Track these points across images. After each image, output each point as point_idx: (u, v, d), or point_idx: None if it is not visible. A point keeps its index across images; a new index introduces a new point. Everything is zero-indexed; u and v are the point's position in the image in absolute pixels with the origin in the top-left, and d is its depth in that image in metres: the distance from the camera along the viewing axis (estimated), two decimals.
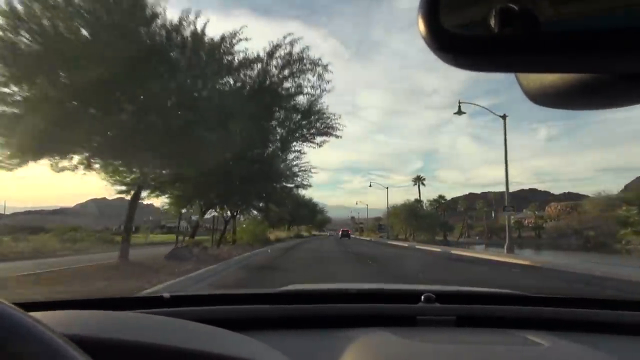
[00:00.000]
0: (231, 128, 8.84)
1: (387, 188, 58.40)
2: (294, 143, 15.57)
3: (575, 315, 1.37)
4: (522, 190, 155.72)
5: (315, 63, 11.00)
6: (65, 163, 9.87)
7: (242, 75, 10.84)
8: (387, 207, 61.16)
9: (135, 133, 8.02)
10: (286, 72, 11.02)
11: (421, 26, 0.39)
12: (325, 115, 14.21)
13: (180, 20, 9.01)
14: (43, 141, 8.14)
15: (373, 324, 1.25)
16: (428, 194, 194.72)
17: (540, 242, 60.15)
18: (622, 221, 33.08)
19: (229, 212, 23.49)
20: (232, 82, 10.55)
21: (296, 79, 11.20)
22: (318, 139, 15.22)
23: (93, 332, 0.65)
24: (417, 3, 0.40)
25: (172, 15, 9.80)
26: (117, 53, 7.66)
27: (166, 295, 1.34)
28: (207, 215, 24.41)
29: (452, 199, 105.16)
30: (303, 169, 21.40)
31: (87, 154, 9.94)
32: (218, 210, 22.34)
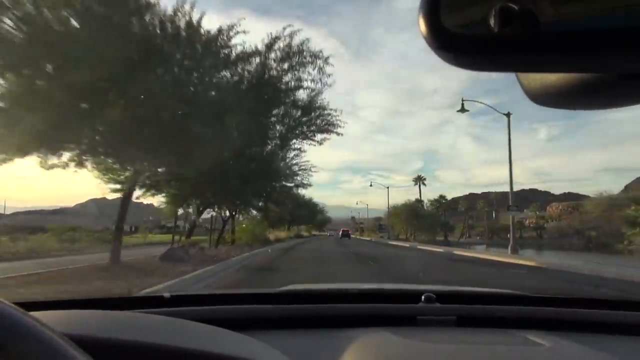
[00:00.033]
0: (227, 123, 8.43)
1: (388, 188, 58.52)
2: (294, 140, 15.14)
3: (576, 315, 1.36)
4: (523, 190, 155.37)
5: (315, 56, 10.61)
6: (54, 160, 9.53)
7: (239, 69, 10.43)
8: (388, 207, 60.99)
9: (126, 128, 7.64)
10: (285, 65, 10.63)
11: (422, 25, 0.39)
12: (326, 112, 13.79)
13: (175, 10, 8.64)
14: (28, 136, 7.76)
15: (373, 324, 1.25)
16: (428, 194, 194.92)
17: (541, 242, 60.02)
18: (631, 221, 32.74)
19: (227, 212, 23.11)
20: (229, 75, 10.13)
21: (296, 72, 10.81)
22: (318, 137, 14.81)
23: (93, 332, 0.65)
24: (418, 3, 0.40)
25: (166, 4, 9.37)
26: (107, 44, 7.29)
27: (166, 295, 1.34)
28: (207, 215, 24.13)
29: (453, 199, 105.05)
30: (303, 167, 21.03)
31: (77, 151, 9.58)
32: (216, 209, 21.97)
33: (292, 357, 0.82)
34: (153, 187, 13.95)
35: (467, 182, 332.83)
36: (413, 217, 60.05)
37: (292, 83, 11.11)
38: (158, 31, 8.27)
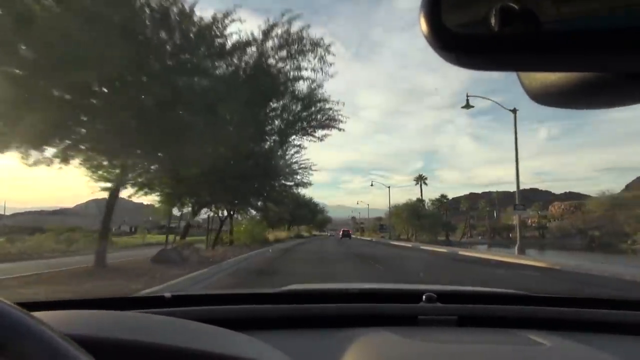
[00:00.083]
0: (220, 113, 7.72)
1: (389, 187, 58.37)
2: (294, 137, 14.42)
3: (578, 315, 1.36)
4: (524, 190, 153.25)
5: (316, 44, 9.90)
6: (37, 156, 8.89)
7: (235, 59, 9.69)
8: (389, 207, 60.58)
9: (110, 118, 6.94)
10: (284, 52, 9.92)
11: (423, 25, 0.39)
12: (327, 107, 13.04)
13: None
14: (4, 129, 7.10)
15: (374, 323, 1.24)
16: (428, 193, 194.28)
17: (544, 242, 59.82)
18: None
19: (225, 212, 22.40)
20: (223, 65, 9.39)
21: (295, 61, 10.06)
22: (319, 133, 14.09)
23: (94, 332, 0.65)
24: (419, 3, 0.40)
25: None
26: (88, 25, 6.63)
27: (167, 295, 1.34)
28: (205, 215, 23.47)
29: (453, 198, 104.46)
30: (303, 166, 20.36)
31: (61, 146, 8.92)
32: (213, 208, 21.27)
33: (294, 357, 0.81)
34: (146, 185, 13.24)
35: (468, 182, 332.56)
36: (414, 216, 59.49)
37: (291, 73, 10.37)
38: (146, 10, 7.54)
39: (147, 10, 7.97)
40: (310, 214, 65.20)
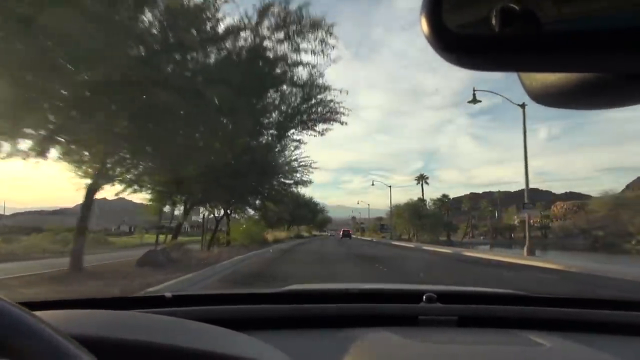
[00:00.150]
0: (209, 97, 6.86)
1: (390, 187, 58.06)
2: (292, 131, 13.53)
3: (578, 315, 1.35)
4: (524, 190, 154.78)
5: (316, 24, 9.03)
6: (9, 148, 8.12)
7: (227, 43, 8.83)
8: (390, 207, 59.92)
9: (83, 101, 6.11)
10: (281, 33, 9.06)
11: (424, 26, 0.39)
12: (328, 99, 12.12)
13: None
14: None
15: (374, 323, 1.24)
16: (429, 193, 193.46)
17: (547, 242, 59.25)
18: None
19: (221, 211, 21.55)
20: (213, 46, 8.50)
21: (293, 43, 9.16)
22: (320, 127, 13.18)
23: (94, 331, 0.65)
24: (419, 3, 0.40)
25: None
26: None
27: (168, 294, 1.33)
28: (201, 214, 22.63)
29: (454, 198, 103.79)
30: (303, 163, 19.51)
31: (36, 138, 8.12)
32: (208, 207, 20.42)
33: (294, 357, 0.81)
34: (134, 182, 12.39)
35: (468, 182, 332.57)
36: (416, 216, 58.74)
37: (290, 57, 9.45)
38: None
39: None
40: (310, 214, 64.55)
